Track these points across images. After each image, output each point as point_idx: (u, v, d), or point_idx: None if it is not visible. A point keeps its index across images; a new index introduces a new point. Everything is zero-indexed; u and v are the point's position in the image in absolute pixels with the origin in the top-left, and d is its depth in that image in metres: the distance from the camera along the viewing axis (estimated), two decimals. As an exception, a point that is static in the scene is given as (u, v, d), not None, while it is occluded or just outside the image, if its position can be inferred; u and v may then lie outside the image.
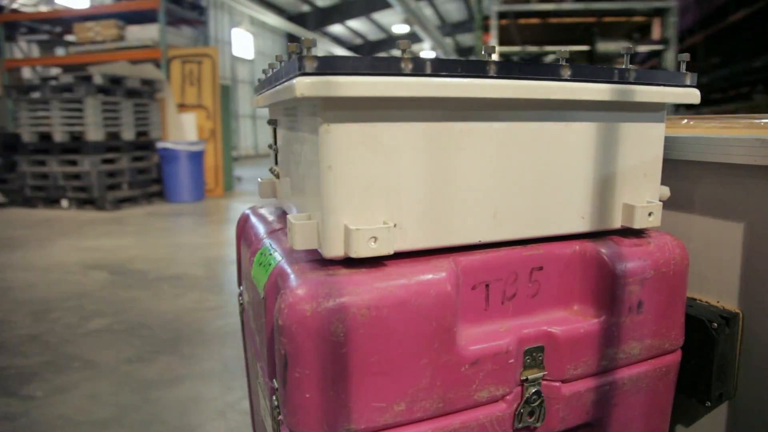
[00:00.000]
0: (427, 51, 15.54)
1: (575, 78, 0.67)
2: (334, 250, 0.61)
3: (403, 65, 0.58)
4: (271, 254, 0.72)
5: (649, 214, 0.75)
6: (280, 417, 0.62)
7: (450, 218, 0.66)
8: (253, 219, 0.96)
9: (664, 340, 0.77)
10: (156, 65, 6.78)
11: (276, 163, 0.95)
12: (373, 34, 16.73)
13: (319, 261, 0.64)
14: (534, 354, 0.68)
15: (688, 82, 0.76)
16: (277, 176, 0.94)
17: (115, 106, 6.05)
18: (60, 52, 7.65)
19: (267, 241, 0.78)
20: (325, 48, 15.58)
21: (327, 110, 0.58)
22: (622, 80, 0.71)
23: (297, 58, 0.57)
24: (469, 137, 0.65)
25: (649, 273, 0.73)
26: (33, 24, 7.60)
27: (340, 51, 16.33)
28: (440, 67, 0.60)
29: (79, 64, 6.89)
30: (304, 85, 0.55)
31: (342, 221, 0.61)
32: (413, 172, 0.63)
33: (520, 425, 0.69)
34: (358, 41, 17.21)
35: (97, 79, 5.84)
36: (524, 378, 0.68)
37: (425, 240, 0.65)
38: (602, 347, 0.72)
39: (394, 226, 0.62)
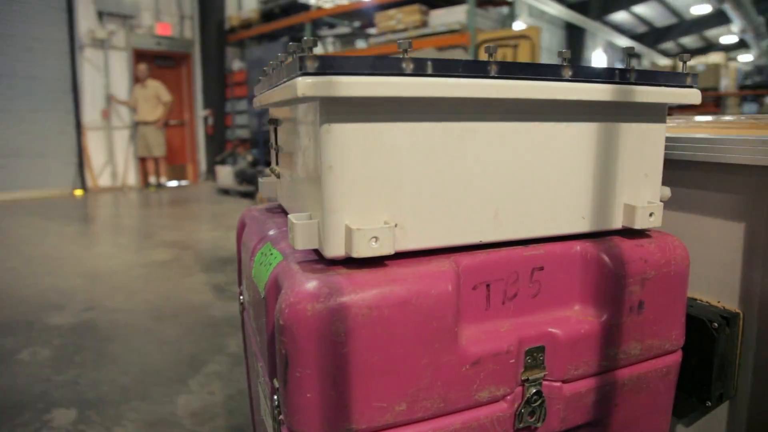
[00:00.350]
0: (732, 36, 13.62)
1: (576, 78, 0.67)
2: (335, 249, 0.61)
3: (404, 65, 0.58)
4: (271, 254, 0.72)
5: (650, 215, 0.75)
6: (281, 417, 0.62)
7: (451, 218, 0.66)
8: (254, 219, 0.96)
9: (665, 340, 0.77)
10: (463, 51, 5.83)
11: (277, 162, 0.95)
12: (661, 20, 14.36)
13: (319, 261, 0.64)
14: (535, 354, 0.68)
15: (688, 83, 0.76)
16: (278, 176, 0.94)
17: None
18: (361, 45, 7.43)
19: (268, 241, 0.78)
20: (605, 38, 13.98)
21: (328, 110, 0.58)
22: (623, 80, 0.71)
23: (298, 57, 0.57)
24: (470, 137, 0.65)
25: (650, 273, 0.73)
26: (333, 20, 7.52)
27: (621, 41, 14.39)
28: (441, 68, 0.60)
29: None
30: (306, 85, 0.55)
31: (343, 221, 0.61)
32: (414, 172, 0.63)
33: (521, 425, 0.69)
34: (642, 29, 14.89)
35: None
36: (525, 378, 0.68)
37: (426, 240, 0.65)
38: (603, 347, 0.72)
39: (395, 226, 0.62)
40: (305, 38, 0.58)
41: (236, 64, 8.72)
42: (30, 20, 6.98)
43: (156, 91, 7.49)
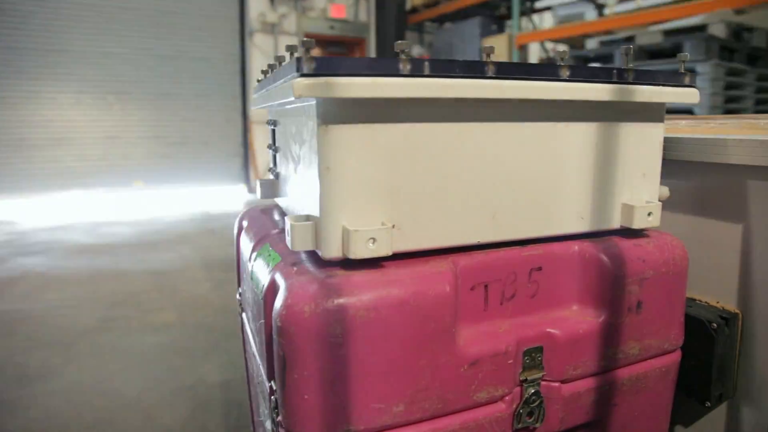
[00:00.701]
0: None
1: (574, 78, 0.67)
2: (333, 251, 0.61)
3: (401, 66, 0.58)
4: (269, 255, 0.72)
5: (649, 214, 0.75)
6: (279, 418, 0.62)
7: (449, 219, 0.66)
8: (252, 220, 0.96)
9: (664, 340, 0.77)
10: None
11: (275, 163, 0.95)
12: None
13: (317, 262, 0.64)
14: (533, 354, 0.68)
15: (687, 82, 0.76)
16: (277, 177, 0.94)
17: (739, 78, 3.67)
18: (590, 16, 5.31)
19: (266, 242, 0.78)
20: None
21: (325, 111, 0.58)
22: (621, 80, 0.71)
23: (296, 58, 0.57)
24: (467, 138, 0.65)
25: (649, 273, 0.73)
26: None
27: None
28: (438, 68, 0.60)
29: (609, 31, 4.67)
30: (303, 86, 0.55)
31: (340, 222, 0.61)
32: (412, 172, 0.63)
33: (520, 426, 0.69)
34: None
35: (716, 30, 3.58)
36: (523, 378, 0.68)
37: (424, 241, 0.65)
38: (601, 347, 0.72)
39: (393, 227, 0.62)
40: (305, 39, 0.58)
41: (415, 50, 7.40)
42: (202, -3, 6.26)
43: None
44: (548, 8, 5.58)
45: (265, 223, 0.89)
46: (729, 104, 3.73)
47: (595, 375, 0.72)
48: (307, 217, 0.65)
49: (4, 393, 1.72)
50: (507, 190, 0.68)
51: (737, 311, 0.86)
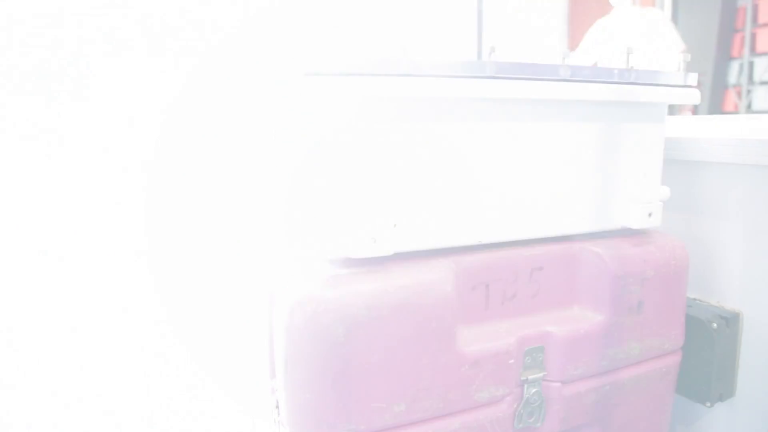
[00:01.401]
0: None
1: (575, 78, 0.67)
2: (335, 250, 0.61)
3: (404, 66, 0.58)
4: (272, 255, 0.72)
5: (649, 215, 0.75)
6: (281, 417, 0.62)
7: (450, 219, 0.66)
8: (255, 219, 0.96)
9: (664, 340, 0.77)
10: None
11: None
12: None
13: (319, 262, 0.64)
14: (534, 354, 0.68)
15: (687, 82, 0.76)
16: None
17: None
18: None
19: (269, 242, 0.78)
20: None
21: (328, 110, 0.58)
22: (622, 80, 0.71)
23: (299, 57, 0.57)
24: (469, 137, 0.65)
25: (649, 273, 0.73)
26: None
27: None
28: (441, 68, 0.60)
29: None
30: (305, 86, 0.55)
31: (342, 222, 0.61)
32: (414, 172, 0.63)
33: (520, 426, 0.69)
34: None
35: None
36: (524, 378, 0.68)
37: (425, 240, 0.65)
38: (602, 347, 0.72)
39: (394, 226, 0.62)
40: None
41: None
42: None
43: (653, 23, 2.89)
44: None
45: (269, 222, 0.89)
46: None
47: (596, 375, 0.72)
48: (309, 217, 0.65)
49: None
50: (508, 190, 0.68)
51: (738, 311, 0.86)
